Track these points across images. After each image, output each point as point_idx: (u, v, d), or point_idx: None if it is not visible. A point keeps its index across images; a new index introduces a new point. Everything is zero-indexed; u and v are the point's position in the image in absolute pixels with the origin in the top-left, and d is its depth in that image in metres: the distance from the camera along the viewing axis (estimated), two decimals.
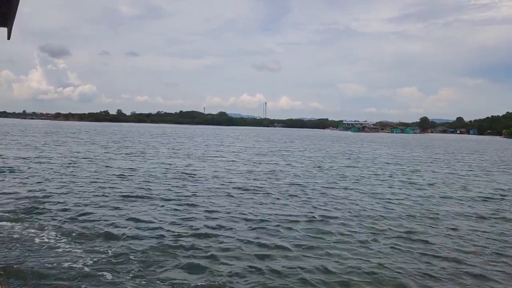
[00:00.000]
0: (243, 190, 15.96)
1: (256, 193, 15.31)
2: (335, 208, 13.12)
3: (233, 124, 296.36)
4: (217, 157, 30.62)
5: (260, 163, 26.68)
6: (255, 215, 11.75)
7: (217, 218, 11.30)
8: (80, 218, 10.92)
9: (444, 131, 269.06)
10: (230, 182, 17.85)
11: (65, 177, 17.71)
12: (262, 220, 11.20)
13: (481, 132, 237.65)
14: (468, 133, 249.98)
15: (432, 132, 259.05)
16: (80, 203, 12.77)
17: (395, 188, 17.88)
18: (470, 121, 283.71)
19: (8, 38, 5.96)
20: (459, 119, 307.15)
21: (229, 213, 11.97)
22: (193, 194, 14.80)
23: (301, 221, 11.28)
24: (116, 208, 12.27)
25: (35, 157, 25.39)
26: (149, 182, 17.18)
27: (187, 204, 13.01)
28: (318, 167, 25.66)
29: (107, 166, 22.02)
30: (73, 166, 21.63)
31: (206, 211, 12.19)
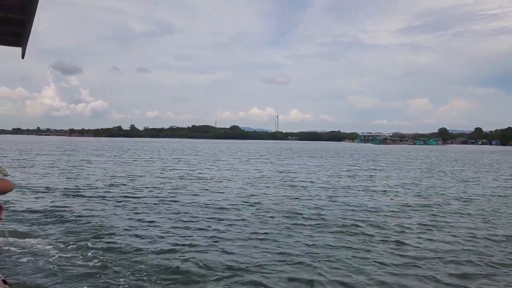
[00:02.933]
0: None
1: None
2: None
3: (247, 138, 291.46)
4: (316, 183, 23.98)
5: (391, 194, 20.10)
6: None
7: None
8: None
9: (464, 142, 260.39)
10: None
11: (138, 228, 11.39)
12: None
13: (504, 143, 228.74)
14: (490, 144, 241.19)
15: (452, 143, 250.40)
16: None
17: None
18: (491, 132, 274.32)
19: (23, 57, 5.98)
20: (478, 129, 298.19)
21: None
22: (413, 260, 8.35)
23: None
24: None
25: (77, 187, 19.20)
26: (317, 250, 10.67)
27: None
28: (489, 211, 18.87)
29: (206, 206, 15.43)
30: (137, 202, 15.31)
31: None
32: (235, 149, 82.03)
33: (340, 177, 27.10)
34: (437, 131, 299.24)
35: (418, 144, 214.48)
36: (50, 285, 7.02)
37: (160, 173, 27.48)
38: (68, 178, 23.30)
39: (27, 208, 13.33)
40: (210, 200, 16.33)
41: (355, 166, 39.10)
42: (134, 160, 40.37)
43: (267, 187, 20.99)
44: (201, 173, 27.66)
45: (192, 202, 15.64)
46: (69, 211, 13.29)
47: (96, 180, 22.27)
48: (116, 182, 21.49)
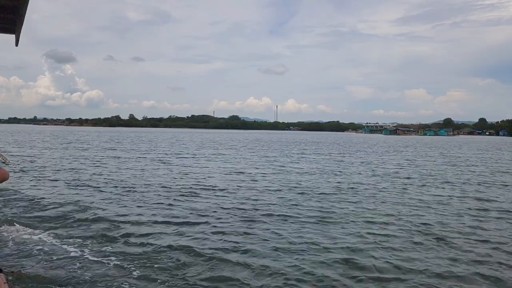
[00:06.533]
0: None
1: None
2: None
3: (248, 127, 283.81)
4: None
5: None
6: None
7: None
8: None
9: (470, 133, 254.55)
10: None
11: None
12: None
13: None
14: (498, 134, 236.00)
15: (458, 134, 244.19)
16: None
17: None
18: (497, 122, 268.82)
19: (16, 45, 5.89)
20: (482, 120, 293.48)
21: None
22: None
23: None
24: None
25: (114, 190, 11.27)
26: None
27: None
28: None
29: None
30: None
31: None
32: (256, 140, 73.65)
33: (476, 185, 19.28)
34: (441, 121, 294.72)
35: (429, 135, 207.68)
36: (45, 273, 6.91)
37: (239, 179, 19.45)
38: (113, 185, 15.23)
39: (25, 197, 13.31)
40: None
41: (447, 164, 31.22)
42: (170, 157, 32.21)
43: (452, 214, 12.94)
44: (298, 181, 19.61)
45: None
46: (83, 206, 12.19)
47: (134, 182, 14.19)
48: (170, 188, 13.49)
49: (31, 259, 7.52)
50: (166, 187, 16.36)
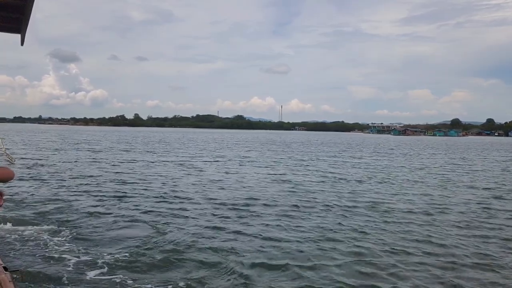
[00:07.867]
0: None
1: None
2: None
3: (253, 127, 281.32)
4: None
5: None
6: None
7: None
8: None
9: (479, 134, 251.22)
10: None
11: None
12: None
13: None
14: (507, 135, 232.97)
15: (467, 134, 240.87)
16: None
17: None
18: (505, 123, 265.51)
19: (22, 44, 5.98)
20: (490, 120, 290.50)
21: None
22: None
23: None
24: None
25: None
26: None
27: None
28: None
29: None
30: None
31: None
32: (269, 141, 70.81)
33: None
34: (448, 121, 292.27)
35: (439, 136, 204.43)
36: (51, 272, 6.91)
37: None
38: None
39: (31, 197, 13.26)
40: None
41: (501, 169, 28.30)
42: (194, 161, 29.48)
43: None
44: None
45: None
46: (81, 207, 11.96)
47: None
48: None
49: (37, 259, 7.51)
50: (209, 199, 13.64)
